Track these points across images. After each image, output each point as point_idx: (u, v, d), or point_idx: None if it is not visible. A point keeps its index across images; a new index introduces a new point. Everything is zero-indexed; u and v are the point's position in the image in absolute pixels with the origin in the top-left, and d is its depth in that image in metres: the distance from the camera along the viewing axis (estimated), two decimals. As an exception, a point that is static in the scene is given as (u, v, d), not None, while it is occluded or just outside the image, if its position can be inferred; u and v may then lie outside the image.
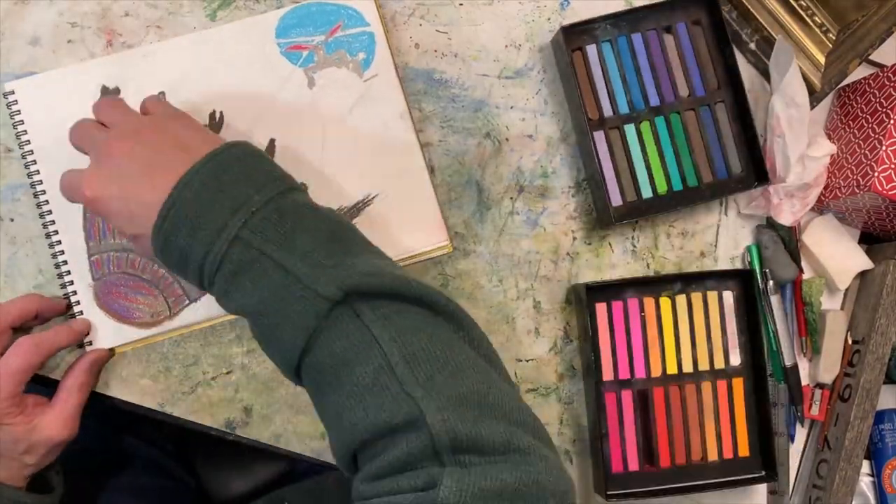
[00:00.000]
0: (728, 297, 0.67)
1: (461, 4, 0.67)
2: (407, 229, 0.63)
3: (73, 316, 0.60)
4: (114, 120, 0.51)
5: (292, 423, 0.63)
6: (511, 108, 0.67)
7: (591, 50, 0.66)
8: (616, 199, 0.65)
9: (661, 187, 0.66)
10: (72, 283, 0.60)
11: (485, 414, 0.41)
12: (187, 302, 0.61)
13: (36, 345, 0.55)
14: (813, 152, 0.66)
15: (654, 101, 0.66)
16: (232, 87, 0.63)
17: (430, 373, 0.41)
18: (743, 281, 0.67)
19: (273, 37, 0.63)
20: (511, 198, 0.67)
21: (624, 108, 0.66)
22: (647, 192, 0.66)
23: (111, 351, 0.61)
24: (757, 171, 0.66)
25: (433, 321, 0.44)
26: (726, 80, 0.67)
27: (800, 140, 0.64)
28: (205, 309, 0.61)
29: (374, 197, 0.63)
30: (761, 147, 0.66)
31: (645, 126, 0.66)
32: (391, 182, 0.63)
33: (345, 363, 0.42)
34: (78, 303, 0.60)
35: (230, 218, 0.43)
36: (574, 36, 0.66)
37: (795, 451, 0.70)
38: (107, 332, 0.60)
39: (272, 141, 0.63)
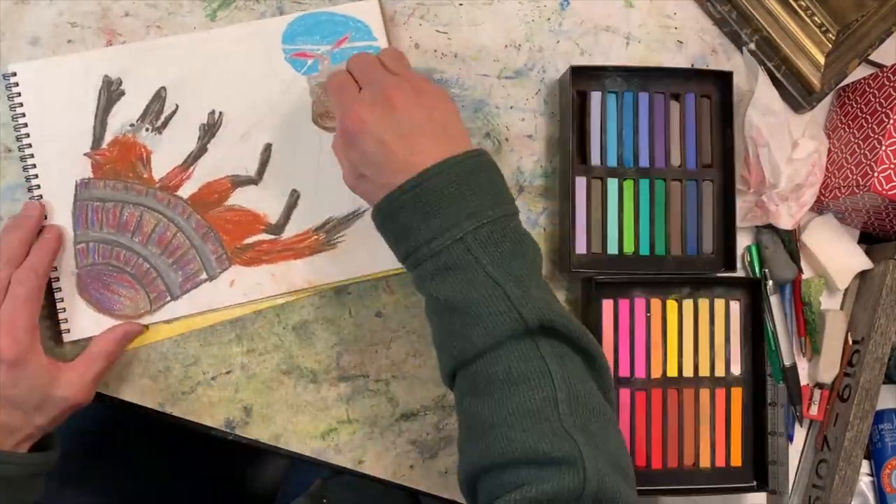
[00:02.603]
0: (735, 306, 0.67)
1: (461, 4, 0.67)
2: None
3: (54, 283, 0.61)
4: (400, 70, 0.53)
5: (292, 423, 0.63)
6: (511, 108, 0.67)
7: (596, 97, 0.66)
8: (580, 247, 0.65)
9: (628, 247, 0.65)
10: (55, 269, 0.60)
11: (621, 477, 0.45)
12: (168, 299, 0.62)
13: (33, 270, 0.57)
14: (797, 154, 0.66)
15: (644, 162, 0.66)
16: (234, 89, 0.63)
17: (586, 421, 0.45)
18: (751, 290, 0.67)
19: (279, 42, 0.63)
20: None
21: (612, 162, 0.66)
22: (612, 249, 0.65)
23: (145, 327, 0.61)
24: (726, 259, 0.65)
25: (590, 374, 0.49)
26: (721, 160, 0.66)
27: (784, 144, 0.65)
28: (185, 306, 0.62)
29: (364, 210, 0.63)
30: (745, 162, 0.66)
31: (628, 184, 0.66)
32: None
33: (515, 383, 0.46)
34: (60, 289, 0.60)
35: (464, 221, 0.48)
36: (582, 78, 0.65)
37: (794, 451, 0.70)
38: (86, 322, 0.61)
39: (268, 146, 0.63)
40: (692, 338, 0.66)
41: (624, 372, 0.65)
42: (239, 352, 0.63)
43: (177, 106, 0.62)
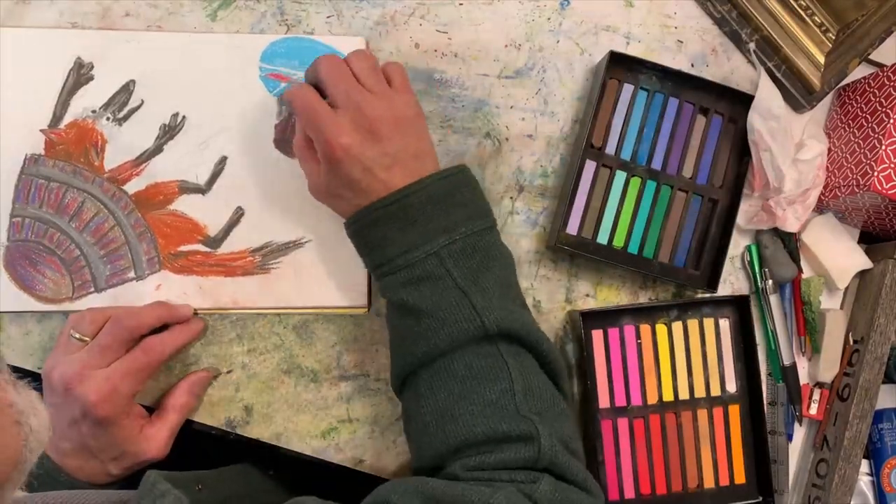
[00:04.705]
0: (724, 324, 0.67)
1: (461, 4, 0.67)
2: (327, 282, 0.63)
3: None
4: (371, 85, 0.54)
5: (293, 422, 0.63)
6: (511, 107, 0.67)
7: (628, 89, 0.66)
8: (572, 228, 0.65)
9: (618, 241, 0.66)
10: None
11: (573, 455, 0.51)
12: (92, 290, 0.61)
13: (161, 343, 0.58)
14: (803, 155, 0.66)
15: (657, 165, 0.66)
16: (203, 96, 0.62)
17: (540, 409, 0.50)
18: (739, 308, 0.67)
19: (257, 59, 0.63)
20: (511, 197, 0.67)
21: (626, 155, 0.66)
22: (602, 238, 0.65)
23: (215, 373, 0.62)
24: (710, 279, 0.66)
25: (543, 370, 0.53)
26: (731, 185, 0.67)
27: (786, 148, 0.65)
28: (107, 301, 0.61)
29: (305, 241, 0.63)
30: (749, 165, 0.66)
31: (635, 181, 0.66)
32: (328, 233, 0.63)
33: (475, 377, 0.51)
34: None
35: (439, 236, 0.52)
36: (619, 67, 0.66)
37: (794, 451, 0.70)
38: (6, 296, 0.60)
39: (224, 158, 0.62)
40: (685, 359, 0.66)
41: (620, 402, 0.65)
42: (239, 351, 0.63)
43: (142, 101, 0.62)
